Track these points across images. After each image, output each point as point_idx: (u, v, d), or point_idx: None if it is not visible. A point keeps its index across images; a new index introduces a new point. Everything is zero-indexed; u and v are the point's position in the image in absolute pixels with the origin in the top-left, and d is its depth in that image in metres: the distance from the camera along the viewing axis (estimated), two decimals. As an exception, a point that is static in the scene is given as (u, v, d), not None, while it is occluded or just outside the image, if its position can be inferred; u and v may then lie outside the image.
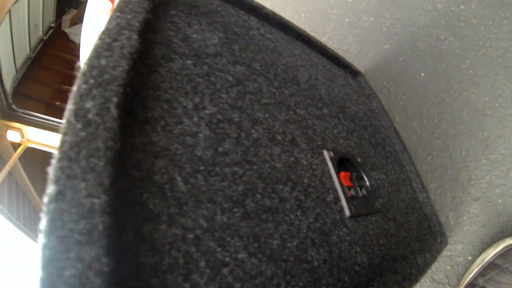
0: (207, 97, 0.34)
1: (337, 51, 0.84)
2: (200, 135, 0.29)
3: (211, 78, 0.37)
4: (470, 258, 0.72)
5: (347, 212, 0.40)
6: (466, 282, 0.66)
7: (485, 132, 0.75)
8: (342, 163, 0.49)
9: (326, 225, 0.34)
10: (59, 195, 0.16)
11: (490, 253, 0.64)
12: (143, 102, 0.28)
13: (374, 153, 0.66)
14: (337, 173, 0.44)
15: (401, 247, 0.48)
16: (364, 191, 0.48)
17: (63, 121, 0.19)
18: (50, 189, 0.16)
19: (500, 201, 0.70)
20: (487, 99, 0.76)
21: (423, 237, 0.63)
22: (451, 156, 0.79)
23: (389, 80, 0.93)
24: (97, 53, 0.25)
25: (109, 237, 0.16)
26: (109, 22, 0.30)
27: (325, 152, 0.45)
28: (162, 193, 0.23)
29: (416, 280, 0.41)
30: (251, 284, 0.24)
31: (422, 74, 0.89)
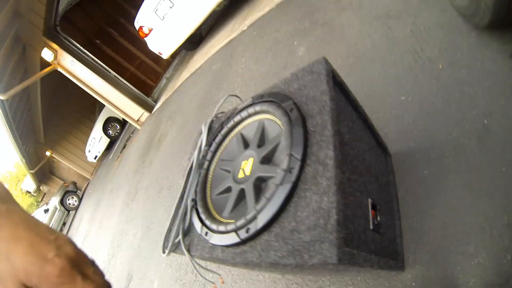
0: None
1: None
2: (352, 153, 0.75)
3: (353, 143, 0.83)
4: (414, 284, 1.14)
5: (371, 225, 0.85)
6: None
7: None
8: (373, 206, 0.94)
9: (363, 217, 0.80)
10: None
11: None
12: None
13: (384, 205, 1.10)
14: (371, 209, 0.89)
15: (383, 250, 0.93)
16: (378, 220, 0.93)
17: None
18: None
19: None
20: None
21: (390, 257, 1.06)
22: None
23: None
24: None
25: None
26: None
27: (369, 199, 0.90)
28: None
29: (376, 266, 0.85)
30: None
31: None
